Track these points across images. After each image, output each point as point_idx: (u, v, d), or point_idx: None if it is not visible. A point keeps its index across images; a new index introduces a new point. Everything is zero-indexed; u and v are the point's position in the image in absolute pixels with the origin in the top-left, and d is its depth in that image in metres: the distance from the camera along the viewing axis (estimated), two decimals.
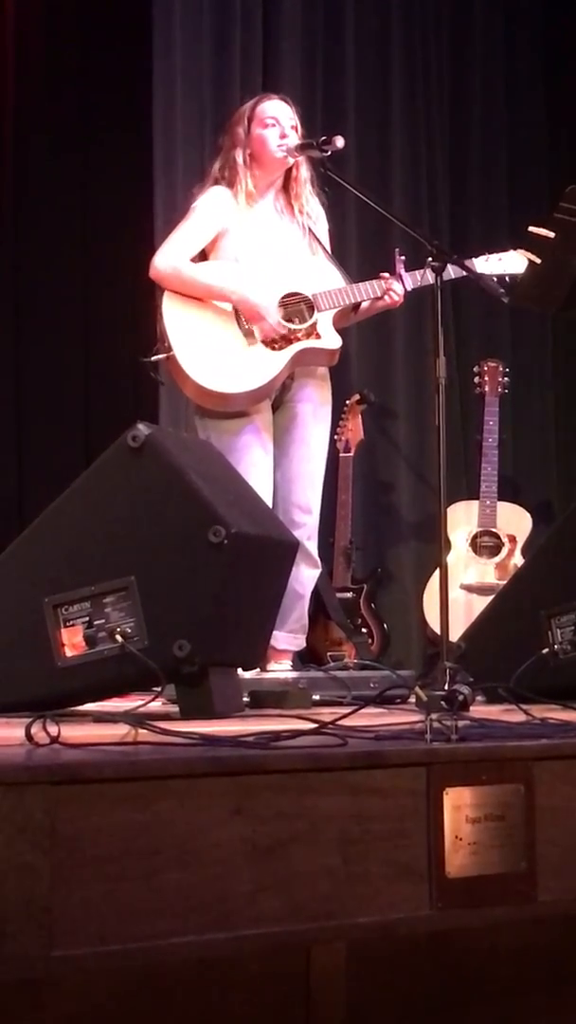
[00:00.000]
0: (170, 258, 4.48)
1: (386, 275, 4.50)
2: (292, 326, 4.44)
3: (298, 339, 4.45)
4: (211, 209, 4.52)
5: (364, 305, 4.56)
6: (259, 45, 5.96)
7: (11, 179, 5.72)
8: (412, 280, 4.50)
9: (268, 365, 4.42)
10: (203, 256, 4.54)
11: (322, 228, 4.66)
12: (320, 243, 4.57)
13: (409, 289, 4.52)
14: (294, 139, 4.50)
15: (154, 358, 4.45)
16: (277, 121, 4.53)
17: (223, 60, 5.81)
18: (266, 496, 4.29)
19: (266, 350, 4.42)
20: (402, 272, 4.50)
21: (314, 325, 4.46)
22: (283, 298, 4.46)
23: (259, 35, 5.96)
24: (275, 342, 4.42)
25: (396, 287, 4.49)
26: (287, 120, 4.54)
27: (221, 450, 3.96)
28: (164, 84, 5.62)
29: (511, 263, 4.55)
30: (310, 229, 4.58)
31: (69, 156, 5.80)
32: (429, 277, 4.37)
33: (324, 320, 4.47)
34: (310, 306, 4.45)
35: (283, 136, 4.50)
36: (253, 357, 4.41)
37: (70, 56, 5.87)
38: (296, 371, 4.51)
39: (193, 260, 4.49)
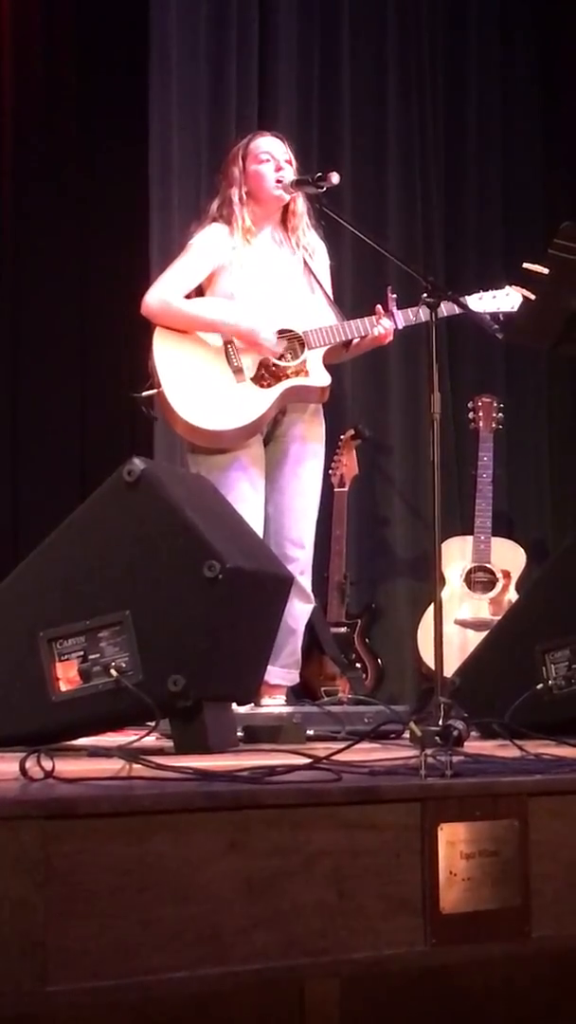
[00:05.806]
0: (160, 293, 4.49)
1: (379, 309, 4.51)
2: (282, 363, 4.45)
3: (287, 376, 4.46)
4: (206, 246, 4.54)
5: (355, 342, 4.57)
6: (255, 78, 5.96)
7: (9, 213, 5.74)
8: (404, 318, 4.50)
9: (256, 402, 4.42)
10: (200, 294, 4.55)
11: (320, 262, 4.66)
12: (316, 278, 4.59)
13: (400, 327, 4.52)
14: (289, 173, 4.52)
15: (145, 394, 4.47)
16: (272, 156, 4.55)
17: (219, 94, 5.83)
18: (256, 532, 4.28)
19: (254, 387, 4.43)
20: (394, 310, 4.50)
21: (304, 363, 4.46)
22: (275, 334, 4.47)
23: (255, 68, 5.96)
24: (264, 379, 4.43)
25: (386, 323, 4.49)
26: (281, 155, 4.57)
27: None
28: (160, 117, 5.63)
29: (505, 301, 4.56)
30: (307, 263, 4.60)
31: (66, 190, 5.82)
32: (422, 315, 4.39)
33: (314, 358, 4.47)
34: (302, 343, 4.47)
35: (279, 170, 4.53)
36: (241, 394, 4.42)
37: (67, 89, 5.88)
38: (288, 406, 4.52)
39: (189, 298, 4.51)
